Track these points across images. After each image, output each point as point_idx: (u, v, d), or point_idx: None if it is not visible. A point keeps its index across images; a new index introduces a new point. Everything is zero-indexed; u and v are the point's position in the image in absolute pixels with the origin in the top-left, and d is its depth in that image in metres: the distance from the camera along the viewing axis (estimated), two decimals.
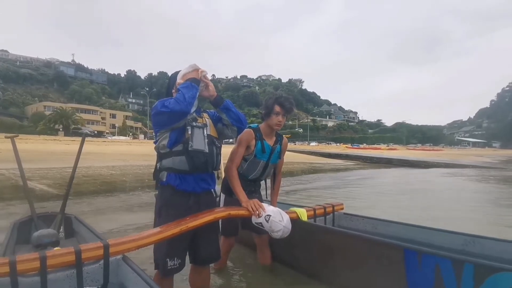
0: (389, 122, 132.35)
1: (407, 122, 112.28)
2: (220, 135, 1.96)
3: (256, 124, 2.46)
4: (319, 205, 2.73)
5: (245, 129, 2.35)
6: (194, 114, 1.83)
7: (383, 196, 7.36)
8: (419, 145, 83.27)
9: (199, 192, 1.82)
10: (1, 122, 38.74)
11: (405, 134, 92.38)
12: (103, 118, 63.04)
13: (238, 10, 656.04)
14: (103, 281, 1.48)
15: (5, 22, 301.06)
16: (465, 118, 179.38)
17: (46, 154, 11.95)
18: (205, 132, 1.82)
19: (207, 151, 1.78)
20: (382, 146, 64.04)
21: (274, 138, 2.43)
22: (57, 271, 1.39)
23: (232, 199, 2.40)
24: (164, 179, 1.78)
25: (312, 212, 2.54)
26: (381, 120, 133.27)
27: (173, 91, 1.85)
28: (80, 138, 2.83)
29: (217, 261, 2.01)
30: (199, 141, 1.77)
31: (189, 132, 1.75)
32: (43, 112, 49.36)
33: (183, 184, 1.76)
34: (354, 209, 3.60)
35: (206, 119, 1.91)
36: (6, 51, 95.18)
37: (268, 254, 2.60)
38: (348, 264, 2.10)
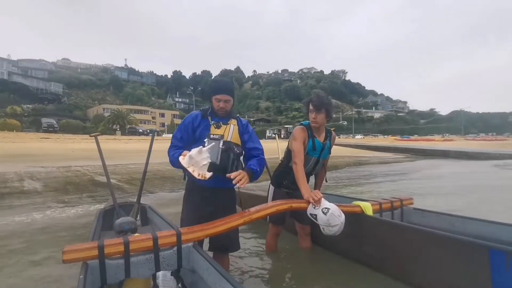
0: (444, 111, 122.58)
1: (465, 110, 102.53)
2: (243, 143, 2.08)
3: (307, 121, 2.56)
4: (385, 199, 2.61)
5: (299, 127, 2.50)
6: (220, 123, 2.02)
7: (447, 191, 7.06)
8: (482, 134, 75.59)
9: (213, 188, 2.00)
10: (68, 124, 43.38)
11: (463, 123, 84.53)
12: (153, 118, 67.19)
13: (285, 3, 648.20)
14: (176, 266, 1.58)
15: (65, 32, 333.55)
16: None
17: (110, 152, 13.23)
18: (221, 144, 1.94)
19: (218, 163, 1.92)
20: (437, 137, 59.57)
21: (323, 134, 2.53)
22: (137, 255, 1.49)
23: (280, 191, 2.59)
24: (186, 173, 2.02)
25: (377, 207, 2.44)
26: (434, 109, 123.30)
27: (211, 98, 2.05)
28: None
29: (235, 251, 2.17)
30: (212, 154, 1.89)
31: (206, 144, 1.90)
32: (102, 114, 54.03)
33: (198, 180, 1.90)
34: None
35: (232, 126, 2.05)
36: (67, 59, 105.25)
37: (309, 240, 2.77)
38: (422, 263, 2.00)
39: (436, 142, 37.21)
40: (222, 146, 1.95)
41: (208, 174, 1.81)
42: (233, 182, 1.85)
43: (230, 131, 2.02)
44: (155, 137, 3.17)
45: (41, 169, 8.50)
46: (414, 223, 2.52)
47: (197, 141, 2.00)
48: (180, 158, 1.86)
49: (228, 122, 2.06)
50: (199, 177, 1.79)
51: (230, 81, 2.25)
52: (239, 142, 2.05)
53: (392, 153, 21.90)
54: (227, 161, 1.95)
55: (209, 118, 2.06)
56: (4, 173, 7.63)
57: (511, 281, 1.59)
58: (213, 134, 1.98)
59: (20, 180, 6.99)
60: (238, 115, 2.17)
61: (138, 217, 2.65)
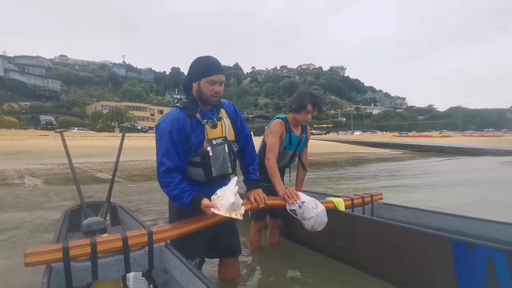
0: (442, 107, 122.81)
1: (463, 106, 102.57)
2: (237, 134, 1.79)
3: (284, 115, 2.55)
4: (357, 195, 2.68)
5: (277, 120, 2.50)
6: (215, 120, 1.64)
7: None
8: (489, 130, 75.23)
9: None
10: (67, 121, 43.23)
11: (461, 119, 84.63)
12: (152, 114, 67.11)
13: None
14: (148, 267, 1.52)
15: (62, 28, 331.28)
16: None
17: (109, 149, 13.27)
18: (226, 148, 1.64)
19: (231, 171, 1.66)
20: (434, 133, 59.86)
21: (300, 128, 2.56)
22: (106, 257, 1.42)
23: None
24: None
25: (349, 202, 2.51)
26: (432, 105, 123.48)
27: (194, 84, 1.60)
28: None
29: (238, 255, 2.00)
30: (222, 164, 1.63)
31: (210, 154, 1.59)
32: (101, 111, 53.88)
33: (197, 191, 1.62)
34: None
35: (225, 120, 1.69)
36: (65, 56, 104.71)
37: (277, 235, 2.82)
38: (390, 255, 2.05)
39: (434, 138, 37.38)
40: (227, 149, 1.64)
41: (243, 210, 1.61)
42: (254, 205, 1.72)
43: (226, 128, 1.68)
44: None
45: (41, 166, 8.53)
46: (383, 217, 2.61)
47: (189, 152, 1.60)
48: (213, 210, 1.50)
49: (220, 116, 1.67)
50: (239, 217, 1.55)
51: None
52: (234, 137, 1.75)
53: (390, 149, 22.02)
54: (234, 166, 1.72)
55: (199, 116, 1.62)
56: (4, 170, 7.66)
57: (473, 271, 1.63)
58: (215, 139, 1.61)
59: (20, 177, 7.02)
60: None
61: (108, 217, 2.53)
